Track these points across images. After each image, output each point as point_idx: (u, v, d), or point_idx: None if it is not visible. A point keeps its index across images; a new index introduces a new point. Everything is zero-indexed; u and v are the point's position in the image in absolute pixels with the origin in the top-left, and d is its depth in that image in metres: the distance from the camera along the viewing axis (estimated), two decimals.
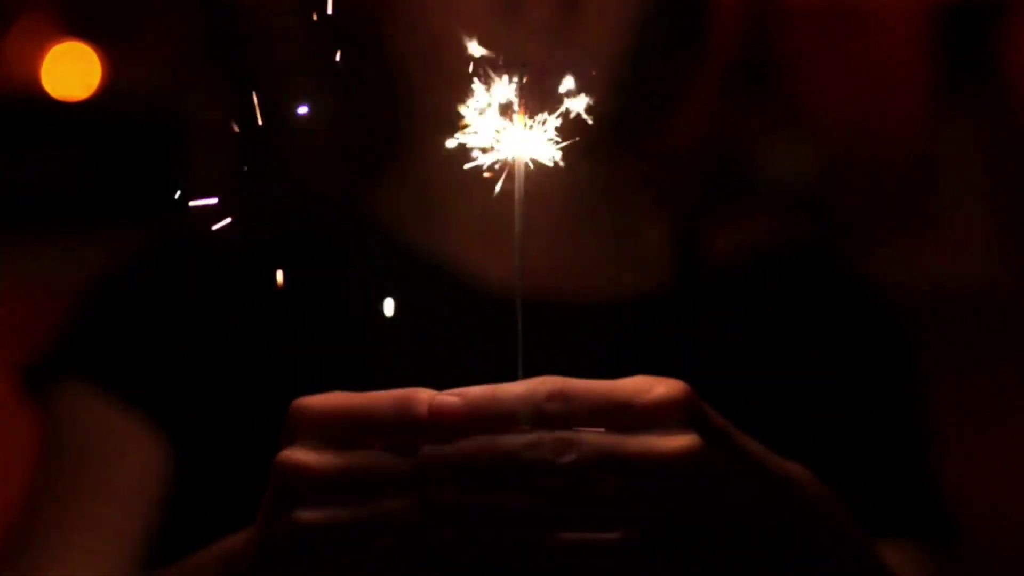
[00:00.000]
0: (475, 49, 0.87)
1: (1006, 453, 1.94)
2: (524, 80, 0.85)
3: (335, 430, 0.82)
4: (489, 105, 0.87)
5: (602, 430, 0.81)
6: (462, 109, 0.87)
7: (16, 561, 1.20)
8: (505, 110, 0.87)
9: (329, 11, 1.27)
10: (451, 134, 0.87)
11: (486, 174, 0.87)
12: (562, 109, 0.87)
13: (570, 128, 0.87)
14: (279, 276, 1.25)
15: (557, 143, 0.87)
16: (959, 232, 2.03)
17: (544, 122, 0.87)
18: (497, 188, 0.87)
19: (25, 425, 1.30)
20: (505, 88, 0.86)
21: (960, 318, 1.99)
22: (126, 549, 1.19)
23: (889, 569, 1.01)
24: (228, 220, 1.02)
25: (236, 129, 1.00)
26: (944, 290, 2.00)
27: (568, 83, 0.87)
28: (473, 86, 0.87)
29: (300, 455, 0.82)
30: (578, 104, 0.87)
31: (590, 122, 0.88)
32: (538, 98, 0.87)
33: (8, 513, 1.24)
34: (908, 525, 1.25)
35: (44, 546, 1.19)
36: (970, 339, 1.98)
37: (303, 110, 0.99)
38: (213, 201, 0.93)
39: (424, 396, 0.80)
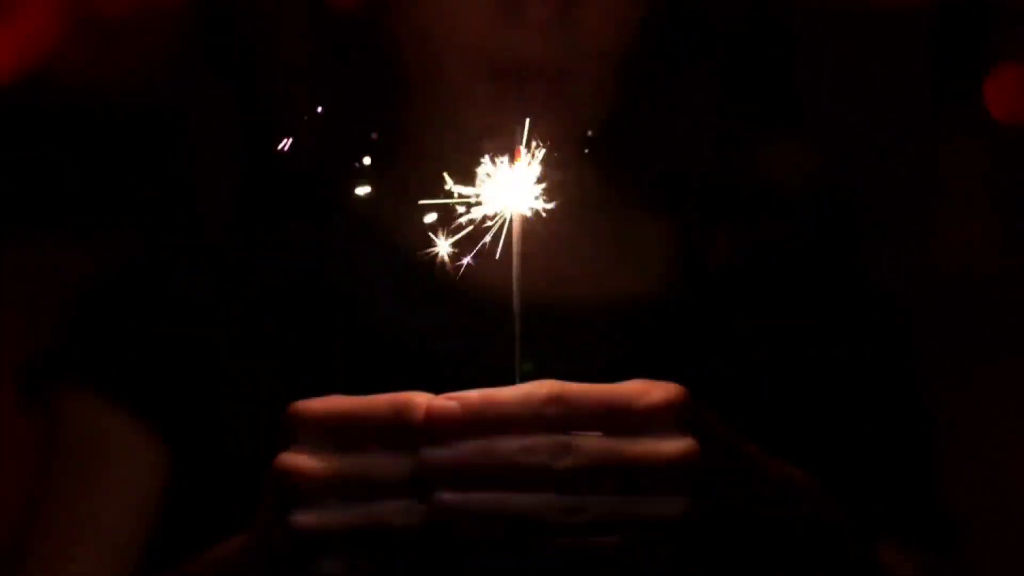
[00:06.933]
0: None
1: (1007, 454, 1.94)
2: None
3: (333, 433, 0.82)
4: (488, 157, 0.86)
5: (599, 434, 0.81)
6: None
7: (14, 565, 1.20)
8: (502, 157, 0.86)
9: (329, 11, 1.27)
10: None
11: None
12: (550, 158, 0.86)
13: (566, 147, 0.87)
14: (278, 278, 1.25)
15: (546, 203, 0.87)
16: (960, 230, 2.03)
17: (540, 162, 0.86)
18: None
19: (24, 429, 1.30)
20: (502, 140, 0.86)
21: (961, 319, 1.99)
22: (125, 553, 1.19)
23: (887, 572, 1.01)
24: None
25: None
26: (945, 290, 2.00)
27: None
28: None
29: (298, 459, 0.82)
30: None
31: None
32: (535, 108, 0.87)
33: (7, 517, 1.24)
34: (908, 528, 1.25)
35: (42, 550, 1.19)
36: (971, 339, 1.98)
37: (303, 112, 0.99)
38: None
39: (421, 400, 0.80)
